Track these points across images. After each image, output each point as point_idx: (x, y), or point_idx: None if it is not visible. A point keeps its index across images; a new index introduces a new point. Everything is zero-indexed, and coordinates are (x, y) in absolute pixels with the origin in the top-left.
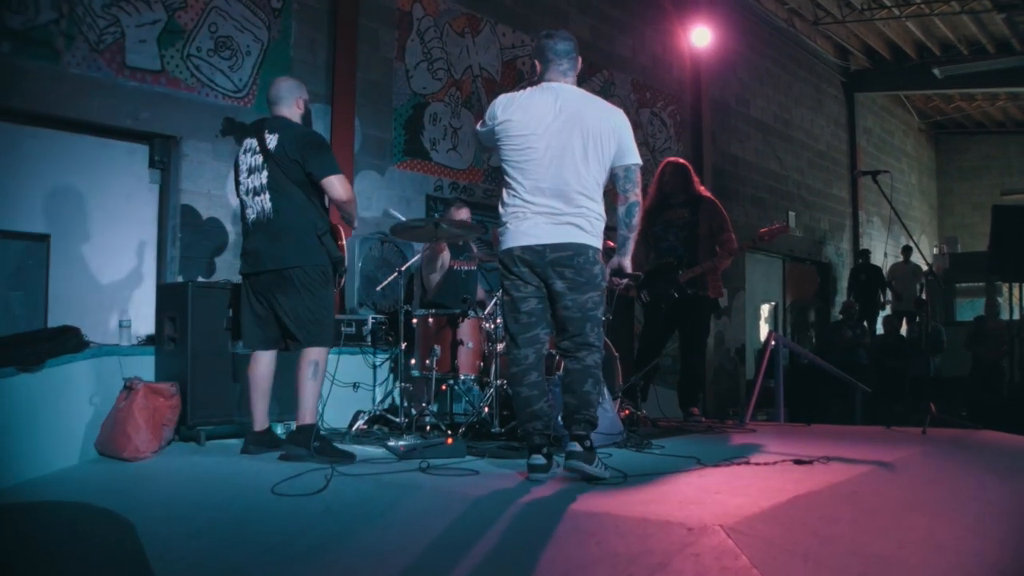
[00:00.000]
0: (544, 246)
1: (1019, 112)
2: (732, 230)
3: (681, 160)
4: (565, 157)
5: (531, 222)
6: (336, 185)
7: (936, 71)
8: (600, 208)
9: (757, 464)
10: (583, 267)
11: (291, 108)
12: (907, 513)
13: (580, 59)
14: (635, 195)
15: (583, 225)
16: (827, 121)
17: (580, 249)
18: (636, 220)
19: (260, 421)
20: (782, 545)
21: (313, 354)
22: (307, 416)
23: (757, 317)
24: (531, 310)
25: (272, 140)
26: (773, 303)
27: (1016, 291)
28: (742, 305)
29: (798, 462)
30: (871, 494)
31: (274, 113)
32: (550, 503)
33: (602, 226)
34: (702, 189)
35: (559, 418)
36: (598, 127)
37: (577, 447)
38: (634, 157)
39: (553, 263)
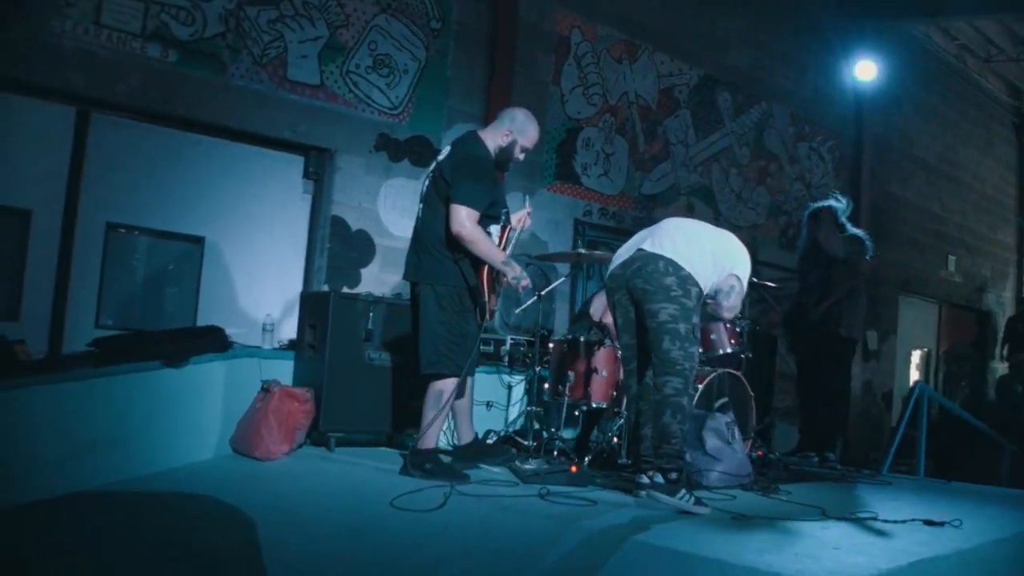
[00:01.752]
0: (622, 266)
1: None
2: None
3: (826, 207)
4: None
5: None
6: (458, 214)
7: None
8: (686, 266)
9: (884, 520)
10: (651, 275)
11: (495, 132)
12: None
13: None
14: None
15: (659, 245)
16: (996, 163)
17: (648, 258)
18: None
19: (462, 435)
20: None
21: (439, 385)
22: (426, 442)
23: (908, 363)
24: (626, 344)
25: (444, 153)
26: (926, 349)
27: None
28: (893, 350)
29: (928, 523)
30: (1002, 565)
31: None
32: (662, 541)
33: (686, 270)
34: (853, 229)
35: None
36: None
37: (660, 478)
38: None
39: (630, 278)
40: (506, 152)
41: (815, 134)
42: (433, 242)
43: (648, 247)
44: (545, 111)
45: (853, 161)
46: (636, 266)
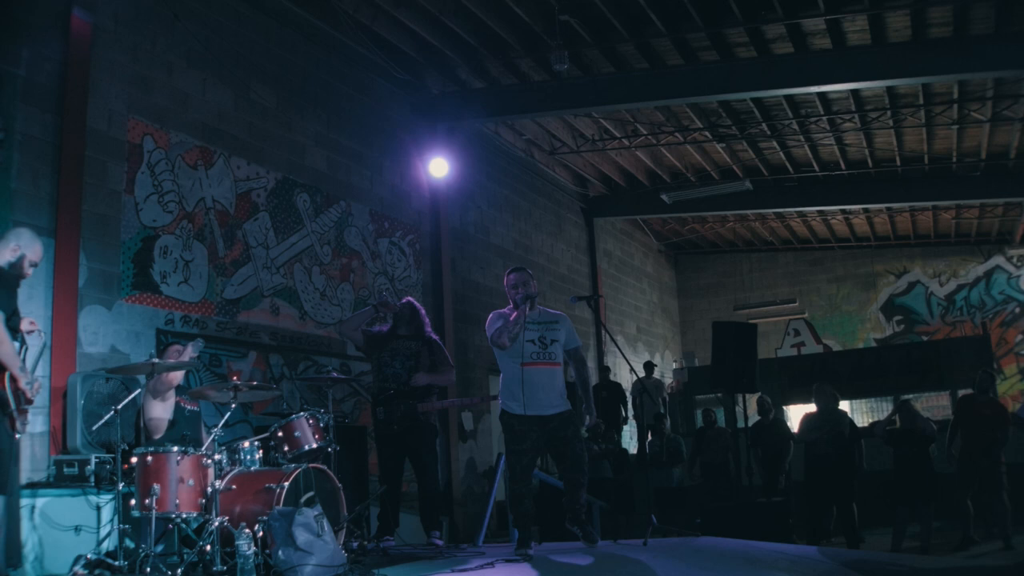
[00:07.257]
0: None
1: (747, 232)
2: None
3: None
4: None
5: None
6: None
7: (664, 196)
8: None
9: None
10: None
11: (3, 250)
12: None
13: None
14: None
15: None
16: (568, 245)
17: None
18: None
19: None
20: None
21: None
22: None
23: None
24: None
25: None
26: None
27: (742, 400)
28: (488, 427)
29: None
30: None
31: None
32: None
33: None
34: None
35: None
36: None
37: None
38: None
39: None
40: (16, 267)
41: (394, 229)
42: None
43: None
44: (119, 221)
45: (433, 253)
46: None
